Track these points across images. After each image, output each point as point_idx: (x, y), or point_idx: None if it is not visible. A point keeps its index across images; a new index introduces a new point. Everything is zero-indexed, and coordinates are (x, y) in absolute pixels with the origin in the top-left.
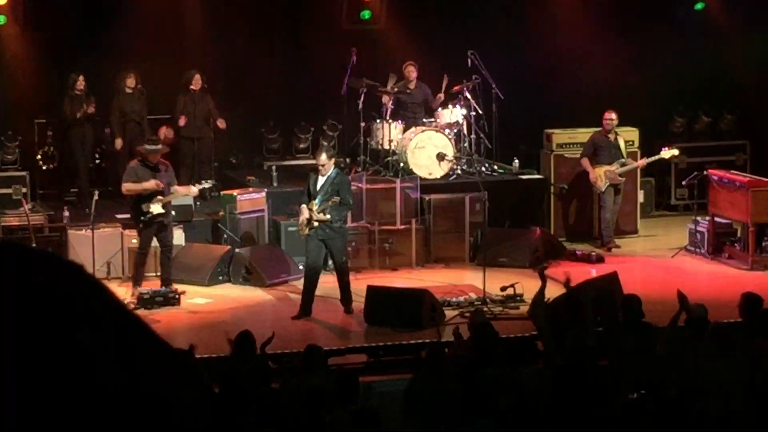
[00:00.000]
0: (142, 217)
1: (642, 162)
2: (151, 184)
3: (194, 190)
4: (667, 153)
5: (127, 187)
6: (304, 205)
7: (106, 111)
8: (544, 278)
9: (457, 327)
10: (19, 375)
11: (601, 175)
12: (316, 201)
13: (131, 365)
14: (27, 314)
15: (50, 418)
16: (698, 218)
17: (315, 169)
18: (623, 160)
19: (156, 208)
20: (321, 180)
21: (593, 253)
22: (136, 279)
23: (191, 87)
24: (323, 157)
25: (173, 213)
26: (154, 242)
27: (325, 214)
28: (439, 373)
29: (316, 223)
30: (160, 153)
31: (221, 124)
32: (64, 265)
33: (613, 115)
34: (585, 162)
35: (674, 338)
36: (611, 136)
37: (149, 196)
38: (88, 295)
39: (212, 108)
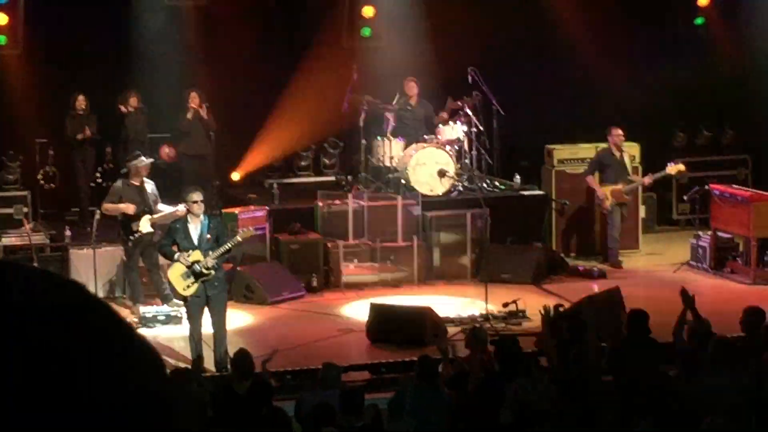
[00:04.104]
0: (131, 237)
1: (647, 179)
2: (128, 208)
3: (181, 209)
4: (673, 169)
5: (105, 207)
6: (181, 256)
7: (109, 131)
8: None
9: (452, 345)
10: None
11: (607, 194)
12: (203, 250)
13: (133, 385)
14: (27, 334)
15: None
16: (700, 233)
17: (178, 219)
18: (629, 177)
19: (145, 227)
20: (195, 225)
21: (595, 269)
22: (135, 297)
23: (191, 105)
24: (198, 194)
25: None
26: None
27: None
28: (428, 385)
29: (206, 276)
30: (146, 168)
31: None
32: (65, 285)
33: (621, 132)
34: (590, 180)
35: (680, 353)
36: (617, 154)
37: (138, 214)
38: (91, 314)
39: (214, 128)
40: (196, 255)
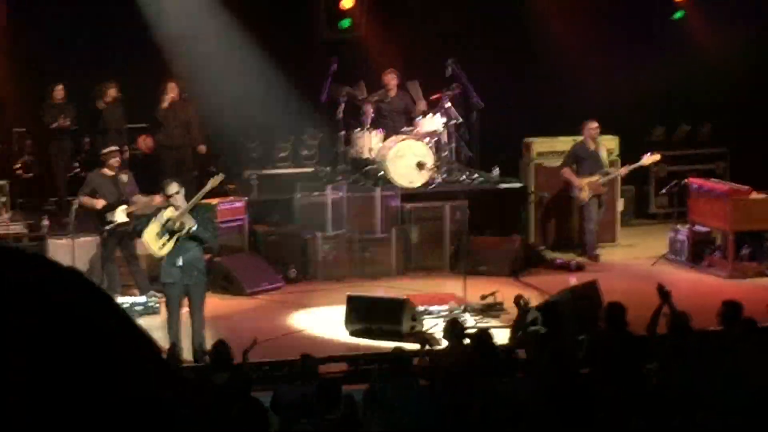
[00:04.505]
0: (106, 227)
1: (623, 170)
2: (98, 202)
3: (158, 199)
4: (648, 159)
5: (81, 200)
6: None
7: (87, 120)
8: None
9: (426, 336)
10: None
11: (584, 187)
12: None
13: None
14: (25, 317)
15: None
16: (678, 227)
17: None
18: (605, 170)
19: (120, 217)
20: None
21: (573, 262)
22: (112, 288)
23: (170, 95)
24: (174, 186)
25: None
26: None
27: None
28: (402, 377)
29: (180, 232)
30: (117, 155)
31: (201, 150)
32: (59, 268)
33: (596, 125)
34: (567, 172)
35: (656, 347)
36: (592, 147)
37: (113, 205)
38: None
39: (193, 118)
40: (169, 212)
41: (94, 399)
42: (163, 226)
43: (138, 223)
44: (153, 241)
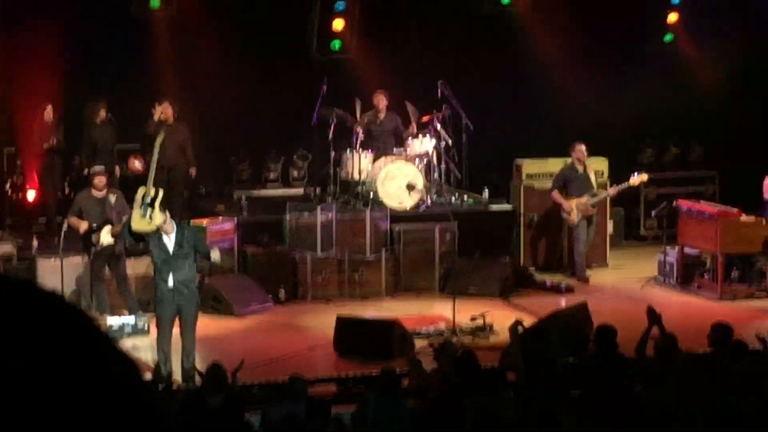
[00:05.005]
0: (93, 248)
1: (612, 190)
2: (81, 225)
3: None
4: (636, 180)
5: (69, 221)
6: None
7: (78, 140)
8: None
9: (416, 358)
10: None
11: (573, 208)
12: (180, 260)
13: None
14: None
15: None
16: (667, 249)
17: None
18: (594, 191)
19: (106, 239)
20: (169, 237)
21: (563, 284)
22: (101, 308)
23: (157, 116)
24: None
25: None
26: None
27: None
28: (390, 398)
29: (171, 284)
30: (103, 176)
31: (193, 172)
32: (43, 294)
33: (584, 147)
34: (556, 194)
35: (645, 369)
36: (581, 169)
37: (99, 225)
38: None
39: (186, 139)
40: (140, 191)
41: (69, 423)
42: (142, 205)
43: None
44: (141, 224)
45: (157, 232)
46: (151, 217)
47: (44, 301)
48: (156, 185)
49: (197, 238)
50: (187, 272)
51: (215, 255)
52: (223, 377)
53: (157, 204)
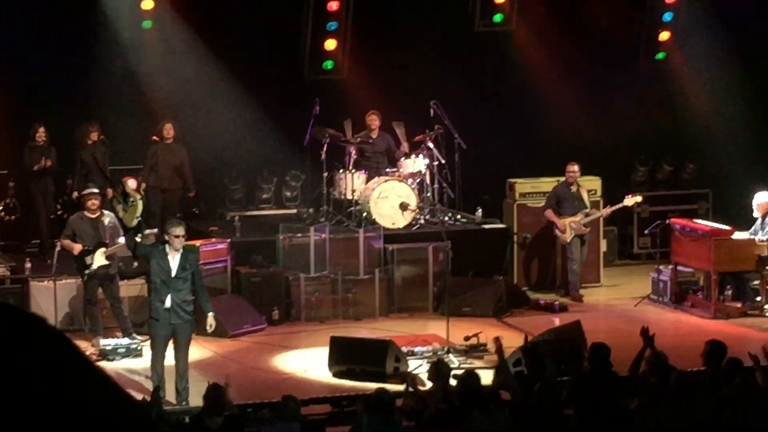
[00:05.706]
0: (86, 270)
1: (606, 211)
2: (73, 248)
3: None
4: (630, 200)
5: (62, 243)
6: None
7: (70, 162)
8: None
9: (412, 377)
10: None
11: (566, 227)
12: (177, 280)
13: (92, 417)
14: None
15: None
16: (661, 267)
17: (160, 244)
18: (587, 210)
19: (99, 260)
20: (173, 257)
21: (556, 303)
22: (94, 330)
23: (164, 137)
24: (180, 229)
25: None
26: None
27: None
28: (384, 418)
29: (168, 304)
30: (95, 197)
31: (191, 195)
32: (25, 318)
33: (576, 167)
34: (549, 213)
35: (640, 387)
36: (573, 188)
37: (93, 247)
38: (50, 347)
39: (183, 162)
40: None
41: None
42: (119, 203)
43: (140, 246)
44: (132, 215)
45: (161, 251)
46: (133, 203)
47: (23, 324)
48: (113, 183)
49: (192, 261)
50: (185, 294)
51: (211, 319)
52: (222, 399)
53: (129, 191)
